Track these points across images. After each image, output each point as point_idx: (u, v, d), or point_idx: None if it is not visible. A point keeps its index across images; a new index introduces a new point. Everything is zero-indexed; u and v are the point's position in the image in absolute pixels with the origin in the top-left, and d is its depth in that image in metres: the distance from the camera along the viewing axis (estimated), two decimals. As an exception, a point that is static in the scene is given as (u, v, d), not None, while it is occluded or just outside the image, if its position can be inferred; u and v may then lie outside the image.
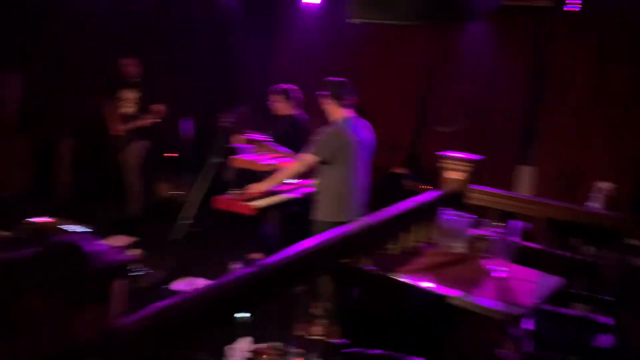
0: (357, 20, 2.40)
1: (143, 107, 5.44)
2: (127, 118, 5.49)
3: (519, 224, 3.33)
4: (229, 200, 3.70)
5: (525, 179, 5.51)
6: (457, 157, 3.30)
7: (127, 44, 5.93)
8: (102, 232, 5.03)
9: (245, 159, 4.08)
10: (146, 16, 6.36)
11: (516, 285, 2.39)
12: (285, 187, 4.09)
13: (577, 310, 2.96)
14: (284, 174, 3.72)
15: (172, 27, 6.70)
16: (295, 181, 4.26)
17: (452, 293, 2.18)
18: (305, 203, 4.13)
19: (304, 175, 4.33)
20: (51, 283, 1.09)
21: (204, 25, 6.90)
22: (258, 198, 3.81)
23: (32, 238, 4.83)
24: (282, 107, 4.35)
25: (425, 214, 2.99)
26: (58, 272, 1.10)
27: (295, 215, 4.24)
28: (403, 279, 2.04)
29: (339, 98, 3.56)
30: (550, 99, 5.30)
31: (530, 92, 5.42)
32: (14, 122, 5.31)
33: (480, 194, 3.32)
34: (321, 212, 3.60)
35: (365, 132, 3.67)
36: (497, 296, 2.26)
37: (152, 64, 5.72)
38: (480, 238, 2.97)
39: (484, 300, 2.21)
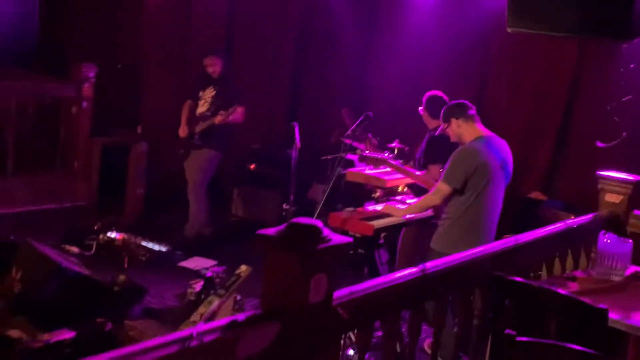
0: (513, 30, 3.24)
1: (218, 108, 6.45)
2: (197, 119, 6.54)
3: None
4: (345, 218, 4.60)
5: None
6: (617, 177, 4.05)
7: (214, 42, 7.17)
8: (178, 251, 6.10)
9: (360, 173, 4.97)
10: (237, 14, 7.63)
11: (681, 314, 3.10)
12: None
13: None
14: (421, 205, 4.54)
15: (263, 22, 7.88)
16: (413, 201, 5.13)
17: (612, 315, 2.93)
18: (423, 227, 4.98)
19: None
20: (297, 253, 2.00)
21: (298, 21, 8.04)
22: (374, 218, 4.69)
23: (105, 254, 5.96)
24: (424, 119, 5.20)
25: (578, 239, 3.76)
26: (302, 245, 2.00)
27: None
28: (561, 291, 2.83)
29: (465, 116, 4.39)
30: None
31: None
32: (87, 123, 6.51)
33: (643, 221, 4.05)
34: (444, 243, 4.35)
35: (503, 152, 4.45)
36: (659, 322, 2.99)
37: (241, 64, 6.88)
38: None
39: (644, 324, 2.95)
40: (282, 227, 2.06)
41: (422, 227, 4.97)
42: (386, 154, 5.07)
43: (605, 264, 3.49)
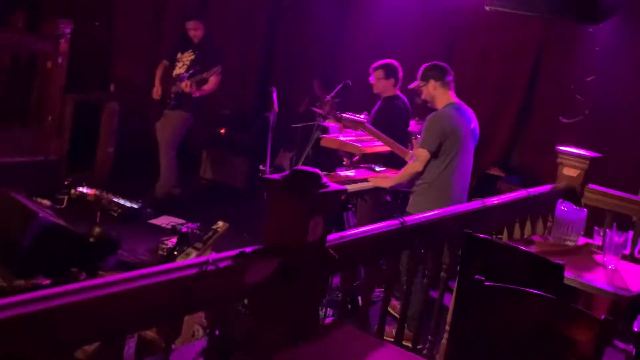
0: (491, 8, 3.52)
1: (196, 71, 6.62)
2: (174, 79, 6.69)
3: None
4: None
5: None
6: (572, 152, 4.41)
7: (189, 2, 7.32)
8: (148, 209, 6.28)
9: (334, 139, 5.22)
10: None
11: (625, 275, 3.47)
12: (373, 174, 5.23)
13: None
14: (405, 174, 4.71)
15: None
16: (381, 169, 5.43)
17: (566, 274, 3.26)
18: (394, 193, 5.28)
19: (395, 165, 5.53)
20: (300, 196, 2.25)
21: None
22: (347, 182, 4.96)
23: (77, 208, 6.11)
24: (380, 86, 5.49)
25: (536, 207, 4.10)
26: (304, 189, 2.25)
27: (384, 204, 5.42)
28: (523, 248, 3.16)
29: (444, 81, 4.66)
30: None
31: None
32: (62, 79, 6.59)
33: (597, 195, 4.42)
34: (420, 206, 4.62)
35: (472, 118, 4.76)
36: (606, 281, 3.35)
37: (215, 28, 7.05)
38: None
39: (595, 281, 3.30)
40: (287, 173, 2.30)
41: (381, 193, 5.24)
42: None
43: (561, 230, 3.84)
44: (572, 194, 4.38)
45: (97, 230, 5.30)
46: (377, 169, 5.40)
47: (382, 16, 7.92)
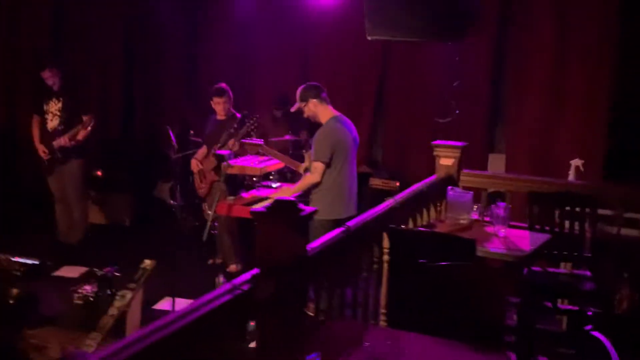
0: (372, 38, 4.23)
1: (68, 120, 6.83)
2: (52, 134, 6.85)
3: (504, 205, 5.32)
4: (229, 206, 5.36)
5: (497, 166, 7.61)
6: (447, 145, 5.24)
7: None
8: (48, 263, 6.47)
9: (235, 165, 5.70)
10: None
11: (515, 240, 4.31)
12: (272, 191, 5.81)
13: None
14: (305, 184, 5.25)
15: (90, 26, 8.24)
16: (278, 185, 6.02)
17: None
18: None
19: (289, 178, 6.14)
20: (284, 219, 2.79)
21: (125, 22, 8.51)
22: (256, 202, 5.49)
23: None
24: (226, 108, 6.16)
25: (427, 197, 4.88)
26: (290, 215, 2.80)
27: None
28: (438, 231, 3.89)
29: (320, 98, 5.32)
30: (514, 82, 7.42)
31: (493, 77, 7.53)
32: None
33: (470, 177, 5.29)
34: (321, 211, 5.27)
35: (352, 128, 5.47)
36: (503, 247, 4.17)
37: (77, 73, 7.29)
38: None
39: (494, 248, 4.10)
40: (269, 204, 2.83)
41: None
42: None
43: (454, 211, 4.64)
44: (452, 180, 5.21)
45: (13, 291, 5.41)
46: (274, 185, 5.98)
47: (235, 33, 8.50)
